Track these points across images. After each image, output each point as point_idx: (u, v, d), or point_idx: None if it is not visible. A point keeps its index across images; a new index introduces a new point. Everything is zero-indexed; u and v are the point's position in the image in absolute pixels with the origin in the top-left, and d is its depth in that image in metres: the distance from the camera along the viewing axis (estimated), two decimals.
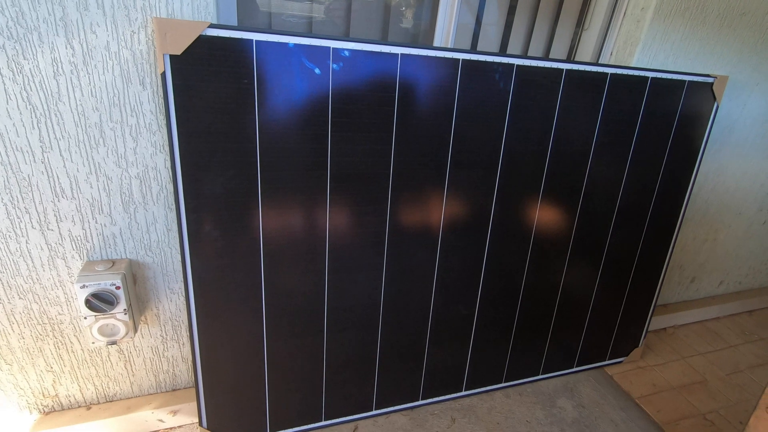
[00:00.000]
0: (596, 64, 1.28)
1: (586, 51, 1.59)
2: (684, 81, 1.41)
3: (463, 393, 1.58)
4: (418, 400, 1.52)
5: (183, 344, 1.34)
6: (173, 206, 1.13)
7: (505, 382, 1.64)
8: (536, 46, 1.57)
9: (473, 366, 1.55)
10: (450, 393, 1.56)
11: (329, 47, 1.02)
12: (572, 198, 1.43)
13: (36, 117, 0.95)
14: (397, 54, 1.08)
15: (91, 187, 1.05)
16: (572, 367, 1.75)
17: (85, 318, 1.09)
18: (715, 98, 1.48)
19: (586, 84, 1.29)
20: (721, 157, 1.85)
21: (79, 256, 1.11)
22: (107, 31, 0.93)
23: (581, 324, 1.68)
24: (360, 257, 1.24)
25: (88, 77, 0.95)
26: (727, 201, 1.99)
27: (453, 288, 1.39)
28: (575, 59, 1.63)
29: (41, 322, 1.16)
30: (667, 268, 1.73)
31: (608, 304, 1.69)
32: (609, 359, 1.82)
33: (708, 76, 1.44)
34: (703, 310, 2.21)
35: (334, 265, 1.22)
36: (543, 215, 1.41)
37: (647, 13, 1.42)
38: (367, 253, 1.25)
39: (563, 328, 1.65)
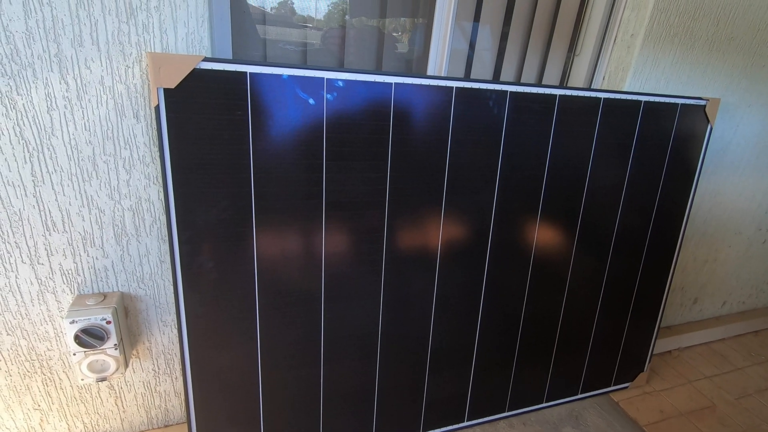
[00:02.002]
0: (589, 89, 1.29)
1: (578, 76, 1.61)
2: (677, 104, 1.42)
3: (466, 424, 1.53)
4: (419, 431, 1.47)
5: (176, 378, 1.30)
6: (166, 238, 1.12)
7: (508, 411, 1.59)
8: (529, 72, 1.59)
9: (475, 395, 1.51)
10: (452, 424, 1.52)
11: (323, 78, 1.03)
12: (570, 222, 1.42)
13: (29, 151, 0.95)
14: (391, 83, 1.08)
15: (83, 220, 1.04)
16: (577, 394, 1.71)
17: (74, 354, 1.06)
18: (708, 120, 1.49)
19: (580, 109, 1.30)
20: (717, 178, 1.85)
21: (70, 290, 1.09)
22: (102, 66, 0.94)
23: (584, 349, 1.65)
24: (357, 286, 1.22)
25: (82, 111, 0.95)
26: (725, 221, 1.99)
27: (452, 315, 1.37)
28: (568, 85, 1.64)
29: (29, 359, 1.13)
30: (669, 290, 1.71)
31: (611, 327, 1.66)
32: (614, 385, 1.77)
33: (700, 98, 1.45)
34: (707, 331, 2.17)
35: (330, 294, 1.20)
36: (541, 240, 1.40)
37: (637, 39, 1.45)
38: (364, 281, 1.23)
39: (566, 353, 1.61)
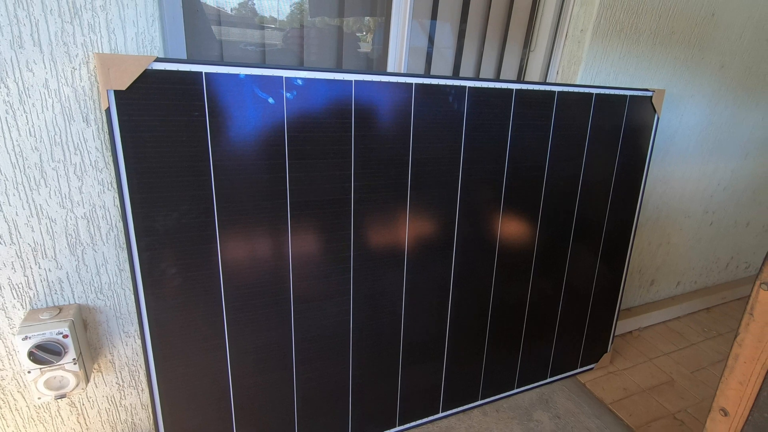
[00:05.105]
0: (544, 83, 1.33)
1: (534, 71, 1.66)
2: (626, 96, 1.50)
3: (440, 414, 1.56)
4: (394, 426, 1.48)
5: (142, 390, 1.26)
6: (125, 245, 1.08)
7: (481, 399, 1.63)
8: (487, 68, 1.63)
9: (448, 385, 1.53)
10: (427, 416, 1.54)
11: (282, 77, 1.02)
12: (532, 212, 1.47)
13: None
14: (351, 81, 1.09)
15: (33, 230, 0.99)
16: (546, 378, 1.76)
17: (29, 372, 1.00)
18: (655, 110, 1.57)
19: (536, 102, 1.34)
20: (666, 165, 1.96)
21: (21, 305, 1.03)
22: (45, 68, 0.89)
23: (551, 334, 1.71)
24: (326, 285, 1.22)
25: (26, 116, 0.91)
26: (676, 206, 2.10)
27: (422, 308, 1.39)
28: (525, 79, 1.70)
29: None
30: (627, 273, 1.79)
31: (575, 312, 1.73)
32: (581, 367, 1.85)
33: (647, 90, 1.53)
34: (664, 311, 2.29)
35: (299, 294, 1.19)
36: (505, 230, 1.44)
37: (586, 35, 1.51)
38: (332, 280, 1.22)
39: (534, 339, 1.67)
